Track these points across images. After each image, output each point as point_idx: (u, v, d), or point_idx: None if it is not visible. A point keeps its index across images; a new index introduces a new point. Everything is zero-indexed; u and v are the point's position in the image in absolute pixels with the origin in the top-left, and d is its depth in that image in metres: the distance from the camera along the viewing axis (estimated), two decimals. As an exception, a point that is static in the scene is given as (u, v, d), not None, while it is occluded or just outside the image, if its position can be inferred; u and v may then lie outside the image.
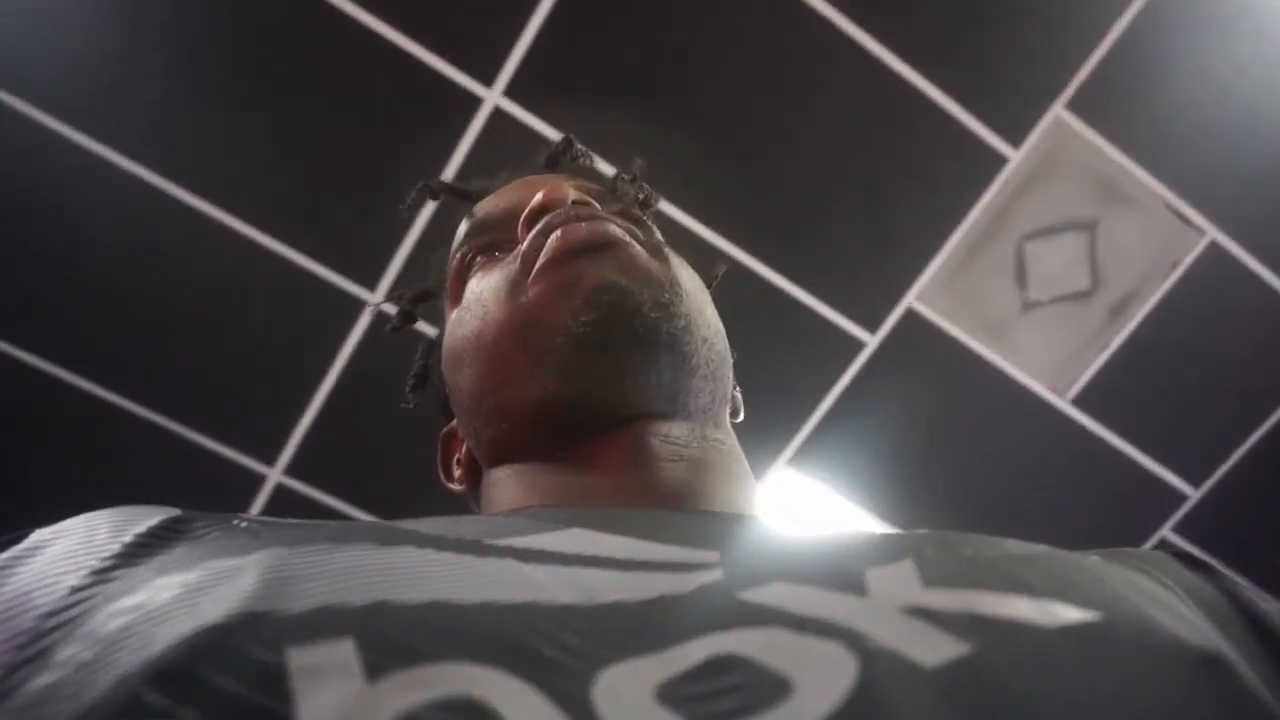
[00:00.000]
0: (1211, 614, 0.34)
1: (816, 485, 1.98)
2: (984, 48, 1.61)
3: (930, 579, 0.32)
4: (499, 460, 0.52)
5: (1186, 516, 2.05)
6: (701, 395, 0.50)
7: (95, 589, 0.31)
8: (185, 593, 0.29)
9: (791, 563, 0.34)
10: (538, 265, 0.50)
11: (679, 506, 0.45)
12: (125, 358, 1.75)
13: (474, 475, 0.56)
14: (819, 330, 1.81)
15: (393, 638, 0.27)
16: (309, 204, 1.67)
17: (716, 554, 0.35)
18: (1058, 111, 1.66)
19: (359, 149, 1.62)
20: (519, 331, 0.49)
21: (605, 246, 0.49)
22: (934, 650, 0.28)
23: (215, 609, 0.28)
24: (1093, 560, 0.36)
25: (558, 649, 0.28)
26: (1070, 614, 0.30)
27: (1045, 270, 1.80)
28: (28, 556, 0.34)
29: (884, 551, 0.35)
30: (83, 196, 1.60)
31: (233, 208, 1.65)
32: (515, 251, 0.53)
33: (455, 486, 0.57)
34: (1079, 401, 1.92)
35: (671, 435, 0.48)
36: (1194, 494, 2.03)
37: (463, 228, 0.62)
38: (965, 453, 1.96)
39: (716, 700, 0.26)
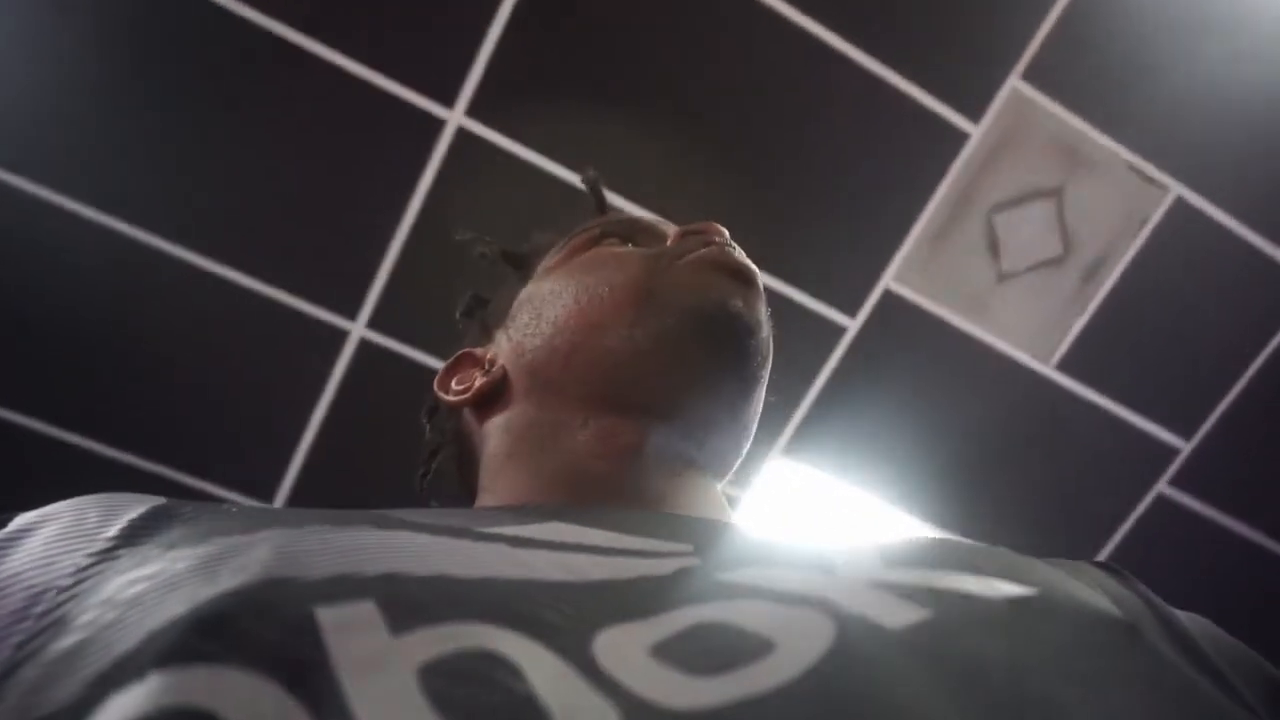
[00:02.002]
0: (1124, 607, 0.37)
1: (812, 472, 1.99)
2: (934, 26, 1.63)
3: (890, 561, 0.36)
4: (528, 394, 0.52)
5: (1181, 470, 2.07)
6: (727, 440, 0.52)
7: (101, 565, 0.32)
8: (201, 563, 0.30)
9: (762, 552, 0.37)
10: (693, 254, 0.53)
11: (656, 510, 0.46)
12: (109, 408, 1.76)
13: (482, 406, 0.55)
14: (799, 319, 1.83)
15: (409, 601, 0.28)
16: (284, 239, 1.67)
17: (690, 546, 0.37)
18: (1014, 83, 1.68)
19: (328, 180, 1.63)
20: (647, 290, 0.51)
21: (752, 283, 0.53)
22: (897, 615, 0.31)
23: (237, 576, 0.29)
24: (1029, 558, 0.40)
25: (557, 615, 0.29)
26: (1012, 589, 0.34)
27: (1017, 240, 1.82)
28: (18, 539, 0.34)
29: (844, 545, 0.38)
30: (47, 249, 1.60)
31: (207, 249, 1.65)
32: (664, 247, 0.56)
33: (449, 398, 0.56)
34: (1063, 366, 1.93)
35: (684, 454, 0.49)
36: (1185, 446, 2.05)
37: (593, 220, 0.62)
38: (956, 427, 1.98)
39: (706, 656, 0.28)
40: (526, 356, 0.53)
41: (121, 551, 0.33)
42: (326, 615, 0.27)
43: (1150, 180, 1.79)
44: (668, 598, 0.31)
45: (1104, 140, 1.74)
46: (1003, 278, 1.85)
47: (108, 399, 1.75)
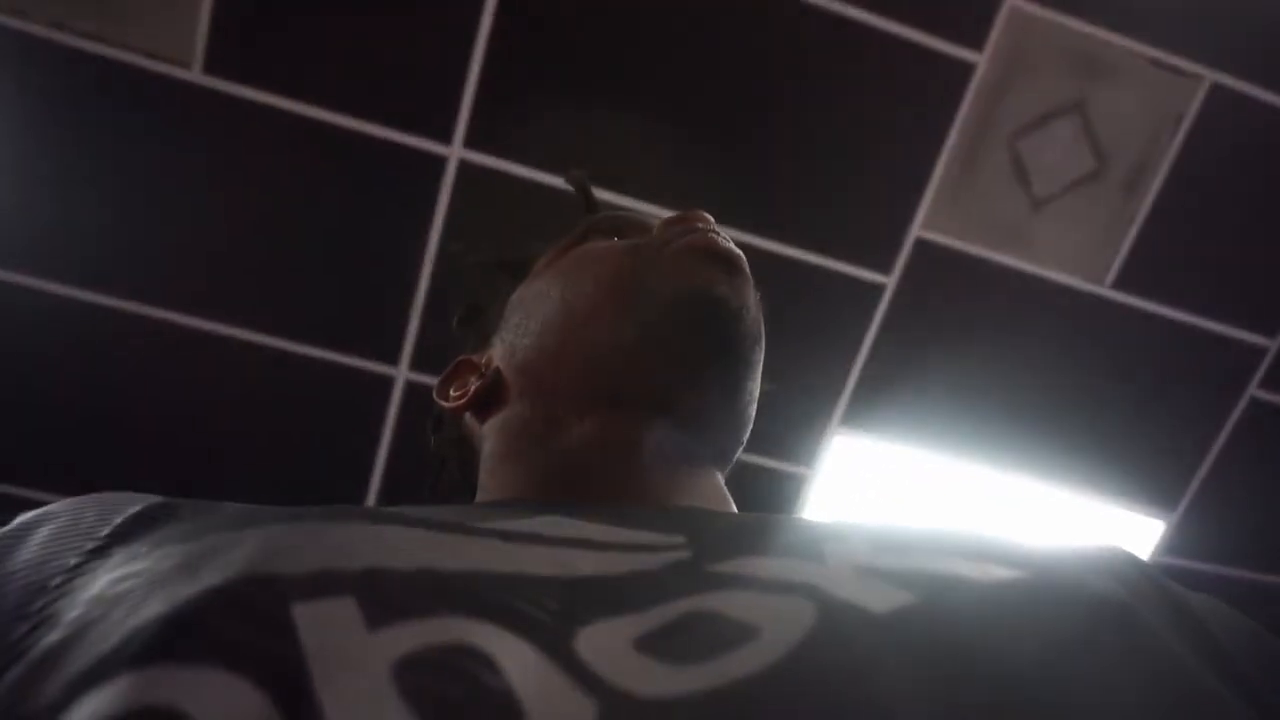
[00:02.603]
0: (1129, 588, 0.37)
1: (875, 442, 1.94)
2: (916, -37, 1.58)
3: (880, 547, 0.36)
4: (523, 394, 0.52)
5: (1272, 369, 1.95)
6: (723, 429, 0.51)
7: (93, 563, 0.32)
8: (187, 560, 0.30)
9: (754, 541, 0.37)
10: (678, 241, 0.52)
11: (650, 504, 0.46)
12: (172, 491, 1.84)
13: (480, 409, 0.55)
14: (835, 286, 1.79)
15: (389, 596, 0.28)
16: (316, 300, 1.72)
17: (683, 538, 0.37)
18: (1010, 3, 1.61)
19: (346, 236, 1.68)
20: (632, 281, 0.51)
21: (737, 267, 0.52)
22: (883, 599, 0.31)
23: (219, 573, 0.29)
24: (1033, 542, 0.40)
25: (541, 610, 0.29)
26: (1001, 572, 0.34)
27: (1046, 163, 1.74)
28: (19, 537, 0.35)
29: (838, 530, 0.38)
30: (64, 338, 1.68)
31: (244, 322, 1.72)
32: (648, 237, 0.56)
33: (447, 404, 0.57)
34: (1120, 284, 1.84)
35: (680, 447, 0.49)
36: (1272, 344, 1.93)
37: (581, 227, 0.62)
38: (1020, 367, 1.90)
39: (689, 646, 0.28)
40: (519, 356, 0.53)
41: (114, 549, 0.33)
42: (303, 612, 0.27)
43: (1179, 72, 1.69)
44: (657, 592, 0.31)
45: (1120, 40, 1.65)
46: (1038, 204, 1.77)
47: (173, 483, 1.83)
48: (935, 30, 1.62)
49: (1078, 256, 1.81)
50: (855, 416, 1.91)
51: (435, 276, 1.72)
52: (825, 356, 1.86)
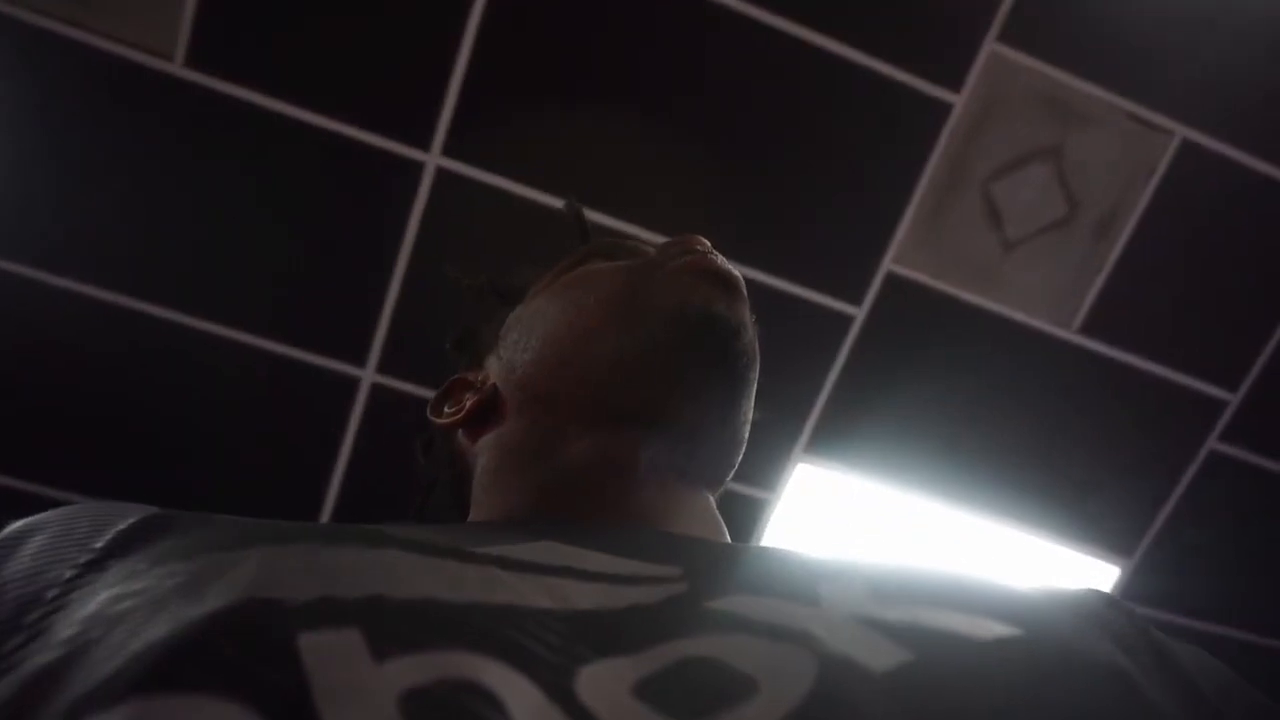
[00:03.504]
0: (1122, 645, 0.37)
1: (837, 472, 1.95)
2: (900, 1, 1.60)
3: (878, 593, 0.35)
4: (521, 409, 0.52)
5: (1231, 423, 1.97)
6: (718, 449, 0.52)
7: (89, 577, 0.32)
8: (188, 581, 0.30)
9: (749, 576, 0.37)
10: (676, 261, 0.54)
11: (647, 526, 0.46)
12: (134, 481, 1.82)
13: (474, 426, 0.55)
14: (805, 314, 1.80)
15: (393, 627, 0.28)
16: (284, 297, 1.72)
17: (680, 569, 0.37)
18: (990, 47, 1.64)
19: (319, 236, 1.68)
20: (631, 298, 0.52)
21: (735, 287, 0.53)
22: (881, 656, 0.31)
23: (221, 596, 0.28)
24: (1023, 589, 0.40)
25: (542, 646, 0.29)
26: (998, 629, 0.34)
27: (1018, 206, 1.76)
28: (10, 547, 0.35)
29: (833, 570, 0.38)
30: (54, 331, 1.67)
31: (213, 315, 1.71)
32: (647, 258, 0.56)
33: (441, 420, 0.57)
34: (1086, 329, 1.86)
35: (675, 465, 0.49)
36: (1233, 398, 1.95)
37: (579, 252, 0.63)
38: (983, 407, 1.92)
39: (689, 697, 0.28)
40: (518, 372, 0.53)
41: (110, 563, 0.33)
42: (308, 642, 0.26)
43: (1152, 126, 1.71)
44: (654, 630, 0.31)
45: (1096, 91, 1.68)
46: (1009, 246, 1.79)
47: (133, 472, 1.82)
48: (915, 69, 1.64)
49: (1046, 300, 1.83)
50: (819, 445, 1.92)
51: (406, 282, 1.72)
52: (792, 383, 1.87)
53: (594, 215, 1.71)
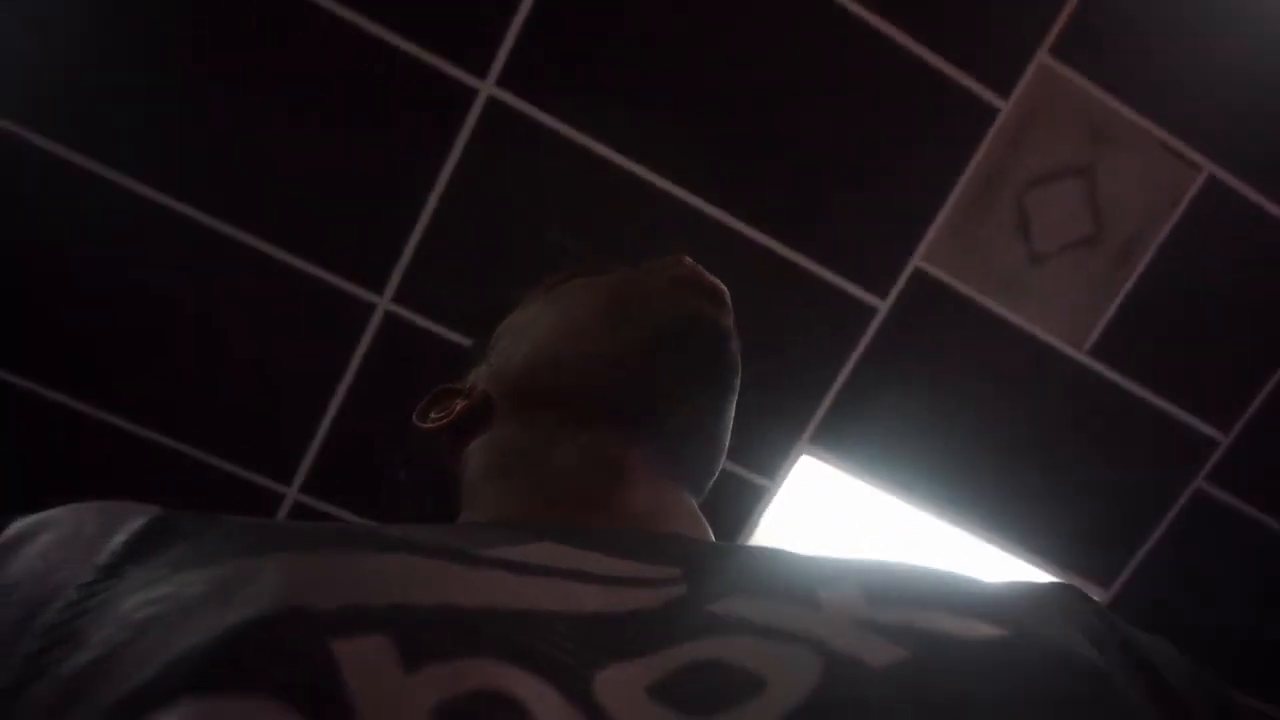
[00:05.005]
0: (1094, 639, 0.39)
1: (839, 470, 1.94)
2: (963, 1, 1.64)
3: (873, 596, 0.37)
4: (512, 413, 0.53)
5: (1220, 464, 2.02)
6: (702, 453, 0.54)
7: (109, 581, 0.32)
8: (213, 588, 0.30)
9: (748, 579, 0.38)
10: (670, 271, 0.57)
11: (640, 527, 0.48)
12: (129, 380, 1.74)
13: (462, 432, 0.56)
14: (828, 299, 1.81)
15: (420, 635, 0.28)
16: (310, 210, 1.67)
17: (678, 570, 0.38)
18: (1042, 58, 1.69)
19: (356, 150, 1.64)
20: (623, 302, 0.54)
21: (722, 300, 0.56)
22: (880, 654, 0.33)
23: (252, 604, 0.28)
24: (1007, 587, 0.42)
25: (560, 651, 0.30)
26: (986, 629, 0.36)
27: (1048, 219, 1.80)
28: (16, 546, 0.34)
29: (828, 570, 0.39)
30: (70, 212, 1.60)
31: (231, 216, 1.66)
32: (637, 270, 0.59)
33: (426, 426, 0.58)
34: (1096, 351, 1.90)
35: (663, 467, 0.51)
36: (1225, 439, 2.00)
37: (567, 270, 0.67)
38: (985, 417, 1.94)
39: (701, 696, 0.29)
40: (510, 376, 0.55)
41: (128, 568, 0.33)
42: (343, 649, 0.27)
43: (1182, 158, 1.77)
44: (661, 634, 0.32)
45: (1134, 117, 1.74)
46: (1035, 258, 1.82)
47: (123, 369, 1.73)
48: (971, 69, 1.68)
49: (1062, 317, 1.87)
50: (824, 436, 1.92)
51: (437, 213, 1.69)
52: (807, 368, 1.87)
53: (638, 171, 1.70)
